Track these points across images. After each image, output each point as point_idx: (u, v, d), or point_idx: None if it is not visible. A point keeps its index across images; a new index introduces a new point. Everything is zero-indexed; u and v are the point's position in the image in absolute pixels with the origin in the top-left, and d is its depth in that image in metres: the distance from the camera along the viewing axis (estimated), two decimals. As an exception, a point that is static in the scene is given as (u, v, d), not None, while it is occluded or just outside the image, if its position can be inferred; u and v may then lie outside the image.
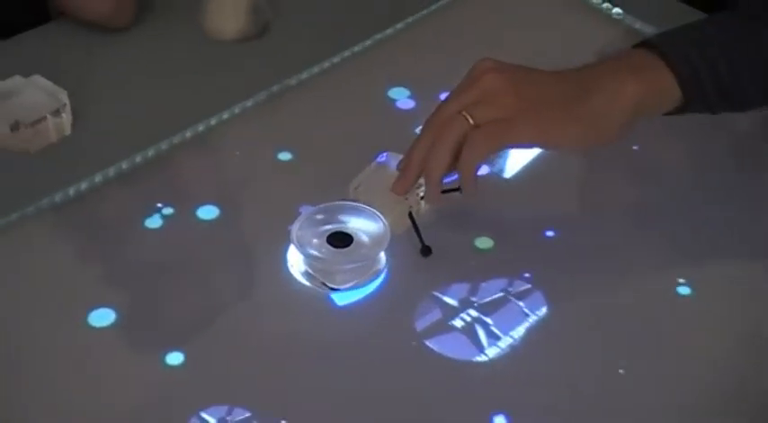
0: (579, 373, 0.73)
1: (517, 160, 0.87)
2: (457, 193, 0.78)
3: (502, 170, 0.87)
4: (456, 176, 0.77)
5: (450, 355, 0.74)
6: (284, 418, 0.69)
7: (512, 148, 0.80)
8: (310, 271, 0.78)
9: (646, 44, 0.78)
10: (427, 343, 0.74)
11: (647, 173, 0.88)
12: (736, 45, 0.78)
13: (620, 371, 0.73)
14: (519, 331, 0.75)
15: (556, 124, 0.75)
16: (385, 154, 0.82)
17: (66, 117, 0.88)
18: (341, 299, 0.77)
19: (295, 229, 0.78)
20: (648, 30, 0.97)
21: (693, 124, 0.87)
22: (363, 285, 0.77)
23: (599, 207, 0.86)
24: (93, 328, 0.74)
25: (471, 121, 0.74)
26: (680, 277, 0.78)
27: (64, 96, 0.88)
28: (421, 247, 0.79)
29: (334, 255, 0.77)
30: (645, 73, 0.76)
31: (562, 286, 0.78)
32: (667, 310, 0.77)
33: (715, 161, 0.90)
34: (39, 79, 0.89)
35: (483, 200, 0.82)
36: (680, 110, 0.78)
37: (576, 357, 0.74)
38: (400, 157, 0.80)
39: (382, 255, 0.78)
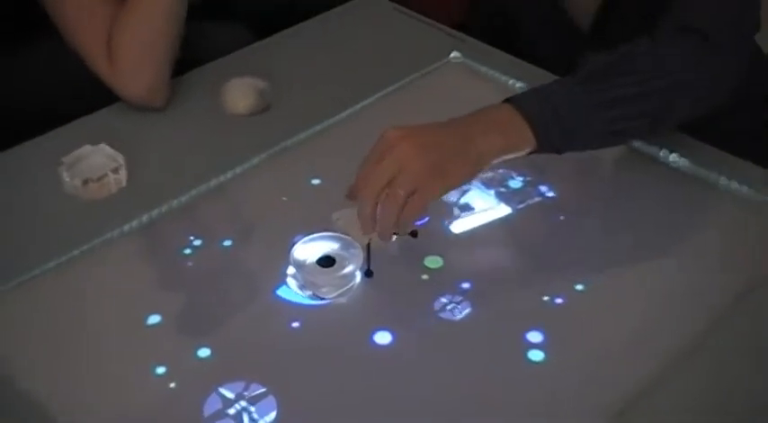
0: (493, 357, 0.75)
1: (464, 222, 0.88)
2: (409, 237, 0.81)
3: (451, 222, 0.88)
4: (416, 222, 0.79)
5: (398, 341, 0.76)
6: (291, 395, 0.72)
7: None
8: (304, 285, 0.80)
9: (512, 100, 0.80)
10: (388, 333, 0.76)
11: (558, 206, 0.90)
12: (577, 101, 0.81)
13: (536, 354, 0.75)
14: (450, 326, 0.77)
15: (455, 174, 0.77)
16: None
17: (123, 174, 0.90)
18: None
19: (292, 253, 0.81)
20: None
21: (595, 171, 0.93)
22: (343, 295, 0.80)
23: (519, 240, 0.87)
24: (147, 327, 0.77)
25: (402, 193, 0.74)
26: (577, 284, 0.81)
27: (121, 158, 0.90)
28: (366, 270, 0.81)
29: (321, 273, 0.80)
30: (508, 129, 0.79)
31: (489, 293, 0.80)
32: (568, 303, 0.79)
33: (600, 199, 0.93)
34: (103, 147, 0.91)
35: (434, 236, 0.85)
36: (534, 152, 0.80)
37: (492, 347, 0.76)
38: None
39: (357, 273, 0.81)
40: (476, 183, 0.91)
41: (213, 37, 1.15)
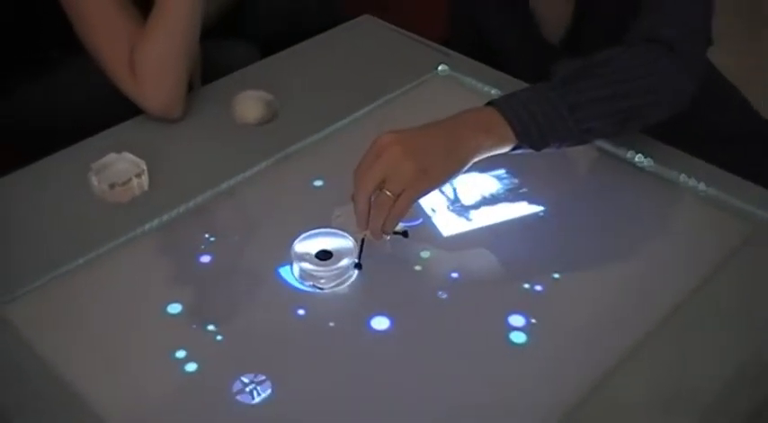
0: (475, 337, 0.77)
1: (454, 225, 0.89)
2: (401, 237, 0.83)
3: (441, 225, 0.89)
4: (408, 222, 0.82)
5: (388, 324, 0.78)
6: (288, 380, 0.73)
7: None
8: (304, 276, 0.82)
9: (493, 103, 0.83)
10: (385, 318, 0.78)
11: (536, 203, 0.91)
12: (553, 104, 0.82)
13: (518, 336, 0.76)
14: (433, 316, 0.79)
15: (440, 174, 0.79)
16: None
17: (145, 178, 0.92)
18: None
19: (294, 247, 0.82)
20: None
21: (570, 175, 0.94)
22: (341, 285, 0.82)
23: (502, 235, 0.88)
24: (168, 315, 0.79)
25: (390, 195, 0.77)
26: (554, 273, 0.83)
27: (143, 165, 0.92)
28: (356, 263, 0.82)
29: (320, 266, 0.81)
30: (491, 128, 0.81)
31: (475, 282, 0.82)
32: (546, 290, 0.81)
33: (574, 196, 0.94)
34: (126, 154, 0.93)
35: (426, 234, 0.87)
36: (513, 149, 0.82)
37: (476, 328, 0.78)
38: None
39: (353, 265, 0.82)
40: (463, 187, 0.93)
41: (225, 55, 1.17)
